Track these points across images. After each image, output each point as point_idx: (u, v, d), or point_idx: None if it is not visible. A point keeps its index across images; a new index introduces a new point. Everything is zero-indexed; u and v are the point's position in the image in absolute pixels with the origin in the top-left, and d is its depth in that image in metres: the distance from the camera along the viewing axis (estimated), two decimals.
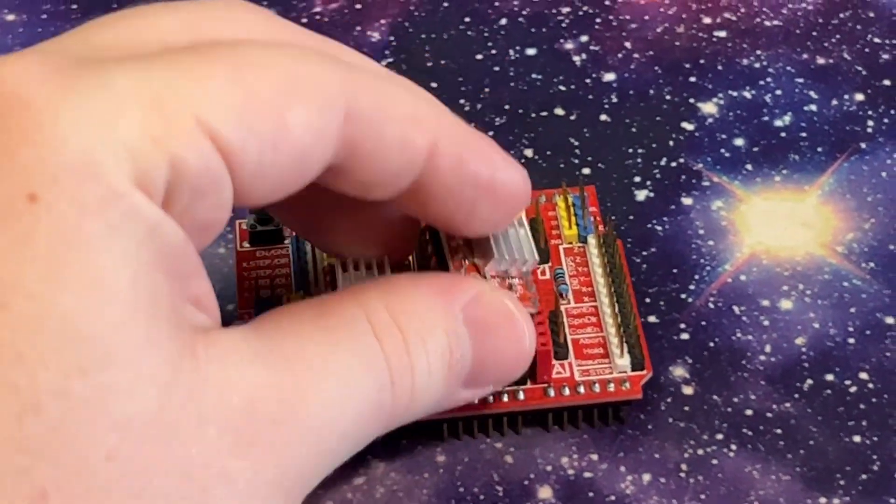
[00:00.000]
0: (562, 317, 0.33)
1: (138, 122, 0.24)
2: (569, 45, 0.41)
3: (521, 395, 0.32)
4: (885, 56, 0.41)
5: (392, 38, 0.42)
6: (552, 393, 0.32)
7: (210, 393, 0.24)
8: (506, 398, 0.32)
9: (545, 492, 0.31)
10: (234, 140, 0.25)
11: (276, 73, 0.26)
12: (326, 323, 0.27)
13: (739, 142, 0.39)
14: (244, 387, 0.25)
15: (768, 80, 0.40)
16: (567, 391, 0.32)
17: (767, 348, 0.34)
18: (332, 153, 0.27)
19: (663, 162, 0.38)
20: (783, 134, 0.39)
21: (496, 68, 0.41)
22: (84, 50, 0.26)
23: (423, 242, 0.32)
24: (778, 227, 0.37)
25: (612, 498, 0.31)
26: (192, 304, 0.26)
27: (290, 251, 0.35)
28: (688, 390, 0.33)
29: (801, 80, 0.40)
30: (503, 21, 0.42)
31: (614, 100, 0.40)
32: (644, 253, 0.36)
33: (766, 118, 0.39)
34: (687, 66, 0.41)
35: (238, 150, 0.25)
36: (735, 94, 0.40)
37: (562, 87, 0.40)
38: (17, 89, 0.24)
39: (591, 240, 0.34)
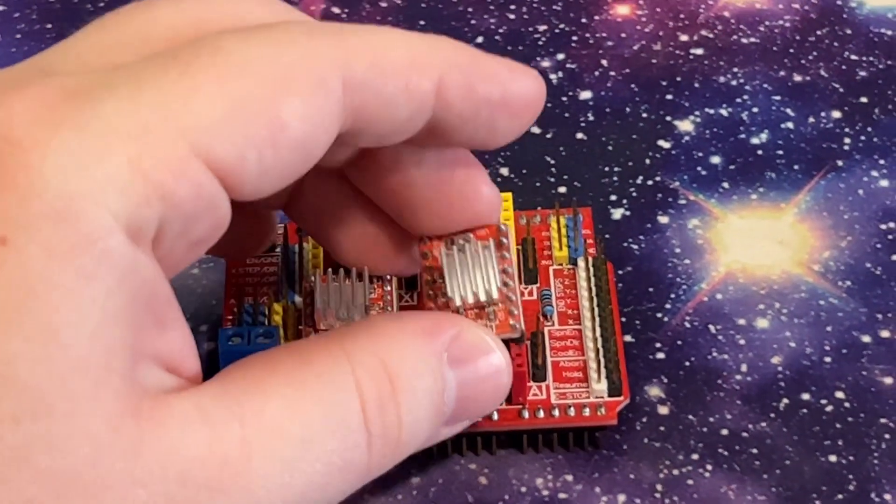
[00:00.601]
0: (543, 338, 0.33)
1: (127, 158, 0.24)
2: (545, 63, 0.41)
3: (496, 416, 0.31)
4: (862, 73, 0.41)
5: None
6: (526, 415, 0.31)
7: (146, 455, 0.24)
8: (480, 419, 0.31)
9: None
10: (230, 155, 0.25)
11: (263, 69, 0.25)
12: (303, 375, 0.27)
13: (716, 160, 0.39)
14: (183, 451, 0.25)
15: (745, 97, 0.40)
16: (542, 413, 0.31)
17: (743, 367, 0.34)
18: (337, 128, 0.26)
19: (639, 180, 0.38)
20: (760, 152, 0.39)
21: None
22: (92, 56, 0.27)
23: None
24: (754, 245, 0.37)
25: None
26: (161, 357, 0.26)
27: (279, 259, 0.34)
28: (663, 410, 0.33)
29: (777, 98, 0.40)
30: (479, 39, 0.42)
31: (590, 118, 0.40)
32: (620, 272, 0.36)
33: (742, 136, 0.39)
34: (663, 83, 0.41)
35: (235, 163, 0.25)
36: (712, 111, 0.40)
37: None
38: (9, 131, 0.24)
39: (581, 262, 0.34)
